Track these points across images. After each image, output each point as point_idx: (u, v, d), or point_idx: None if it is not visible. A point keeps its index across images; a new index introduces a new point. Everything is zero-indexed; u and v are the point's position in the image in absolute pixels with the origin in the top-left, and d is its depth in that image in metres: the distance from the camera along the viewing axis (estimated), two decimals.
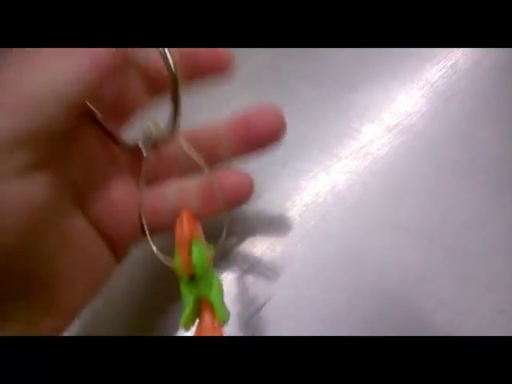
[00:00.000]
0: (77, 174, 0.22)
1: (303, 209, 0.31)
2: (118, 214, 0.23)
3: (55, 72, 0.18)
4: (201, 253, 0.22)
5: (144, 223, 0.24)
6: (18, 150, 0.16)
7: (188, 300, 0.22)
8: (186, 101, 0.37)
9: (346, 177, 0.32)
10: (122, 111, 0.24)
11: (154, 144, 0.24)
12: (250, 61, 0.39)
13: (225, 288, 0.24)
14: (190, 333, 0.22)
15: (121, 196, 0.24)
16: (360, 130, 0.34)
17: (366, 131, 0.34)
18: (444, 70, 0.35)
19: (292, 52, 0.39)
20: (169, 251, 0.23)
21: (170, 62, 0.22)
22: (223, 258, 0.30)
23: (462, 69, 0.35)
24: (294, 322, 0.28)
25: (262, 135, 0.26)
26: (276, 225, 0.31)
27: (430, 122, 0.33)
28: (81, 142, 0.22)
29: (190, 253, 0.22)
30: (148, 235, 0.24)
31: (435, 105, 0.34)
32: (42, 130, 0.17)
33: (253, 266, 0.30)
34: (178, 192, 0.26)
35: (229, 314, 0.22)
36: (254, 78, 0.38)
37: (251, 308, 0.29)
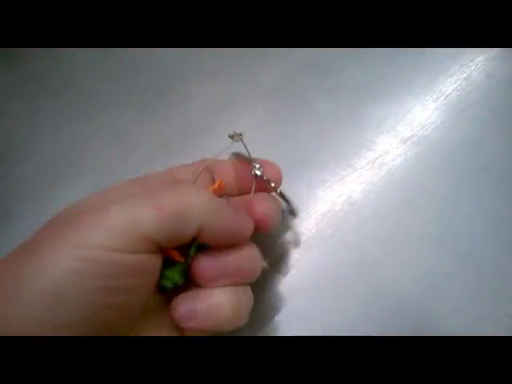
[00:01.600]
0: None
1: (320, 218, 0.32)
2: None
3: None
4: None
5: None
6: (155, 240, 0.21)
7: None
8: (203, 112, 0.39)
9: (361, 187, 0.33)
10: None
11: None
12: (268, 74, 0.40)
13: None
14: None
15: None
16: (375, 142, 0.35)
17: (382, 142, 0.35)
18: (458, 83, 0.36)
19: (309, 65, 0.40)
20: None
21: None
22: None
23: (476, 81, 0.35)
24: (309, 328, 0.29)
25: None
26: (293, 233, 0.32)
27: (444, 133, 0.34)
28: None
29: None
30: None
31: (449, 116, 0.35)
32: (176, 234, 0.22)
33: (271, 274, 0.31)
34: None
35: None
36: (272, 91, 0.40)
37: (270, 312, 0.30)
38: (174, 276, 0.24)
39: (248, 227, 0.24)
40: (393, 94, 0.36)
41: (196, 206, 0.21)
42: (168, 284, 0.24)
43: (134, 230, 0.20)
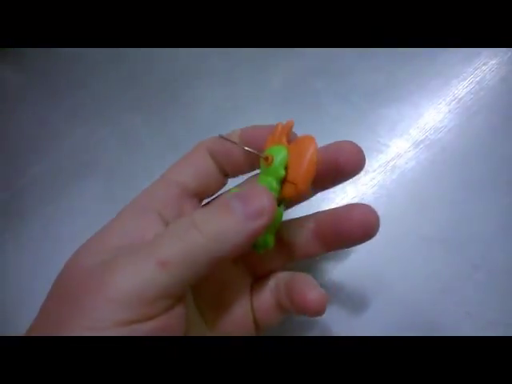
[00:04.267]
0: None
1: None
2: (236, 326, 0.25)
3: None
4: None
5: None
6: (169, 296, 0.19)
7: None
8: (215, 116, 0.39)
9: (373, 189, 0.33)
10: None
11: None
12: (280, 77, 0.40)
13: None
14: None
15: (238, 310, 0.25)
16: (388, 145, 0.35)
17: (394, 145, 0.35)
18: (471, 86, 0.36)
19: (322, 69, 0.40)
20: None
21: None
22: None
23: (489, 85, 0.35)
24: (319, 329, 0.29)
25: (353, 235, 0.24)
26: None
27: (456, 137, 0.34)
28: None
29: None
30: None
31: (462, 120, 0.34)
32: (190, 281, 0.20)
33: None
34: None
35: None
36: (284, 94, 0.40)
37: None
38: (266, 242, 0.24)
39: (268, 207, 0.21)
40: (406, 98, 0.36)
41: (201, 246, 0.20)
42: (260, 250, 0.24)
43: (142, 296, 0.18)
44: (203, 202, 0.27)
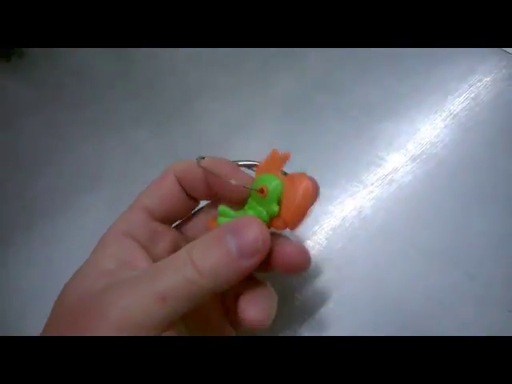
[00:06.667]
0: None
1: (330, 232, 0.33)
2: (215, 330, 0.26)
3: None
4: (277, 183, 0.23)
5: None
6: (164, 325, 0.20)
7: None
8: (219, 129, 0.40)
9: (371, 203, 0.34)
10: None
11: None
12: (282, 92, 0.41)
13: None
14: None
15: (213, 315, 0.26)
16: (386, 159, 0.36)
17: (392, 160, 0.35)
18: (466, 102, 0.36)
19: (322, 85, 0.41)
20: None
21: None
22: None
23: (484, 101, 0.36)
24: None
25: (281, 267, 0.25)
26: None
27: (452, 152, 0.35)
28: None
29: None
30: None
31: (458, 135, 0.35)
32: (184, 313, 0.21)
33: (281, 286, 0.32)
34: None
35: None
36: (286, 108, 0.41)
37: (281, 324, 0.30)
38: None
39: (262, 242, 0.21)
40: (403, 113, 0.37)
41: (197, 284, 0.20)
42: None
43: (140, 325, 0.20)
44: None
